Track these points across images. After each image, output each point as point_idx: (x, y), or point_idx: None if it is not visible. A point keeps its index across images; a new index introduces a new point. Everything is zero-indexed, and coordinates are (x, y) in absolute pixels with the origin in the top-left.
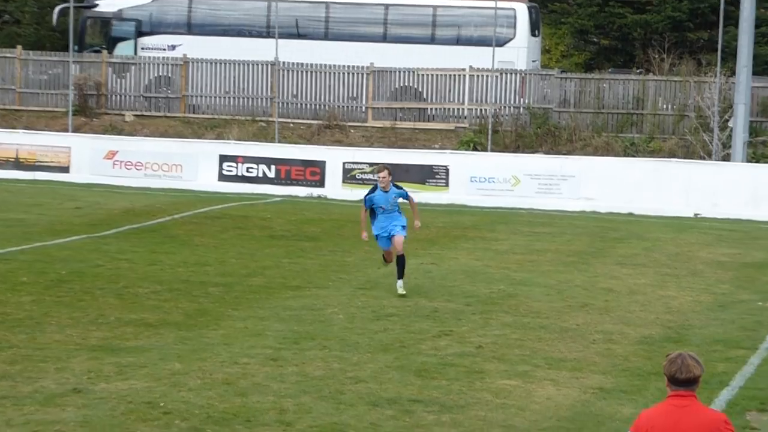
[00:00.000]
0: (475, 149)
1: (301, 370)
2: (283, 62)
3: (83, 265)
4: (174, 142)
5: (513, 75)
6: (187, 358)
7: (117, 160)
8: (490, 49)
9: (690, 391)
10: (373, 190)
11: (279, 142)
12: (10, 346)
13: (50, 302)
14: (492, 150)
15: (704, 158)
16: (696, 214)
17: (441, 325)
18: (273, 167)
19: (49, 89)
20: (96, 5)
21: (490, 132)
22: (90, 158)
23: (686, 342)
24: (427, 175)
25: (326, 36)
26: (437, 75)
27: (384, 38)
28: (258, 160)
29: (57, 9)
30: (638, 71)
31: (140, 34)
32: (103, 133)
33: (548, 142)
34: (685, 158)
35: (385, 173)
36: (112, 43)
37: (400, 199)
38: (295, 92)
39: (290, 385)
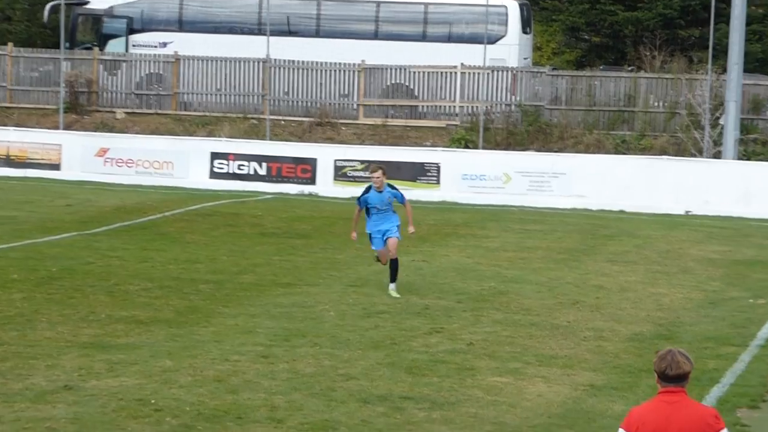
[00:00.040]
0: (466, 147)
1: (292, 367)
2: (275, 59)
3: (74, 262)
4: (165, 140)
5: (504, 72)
6: (178, 356)
7: (108, 158)
8: (482, 46)
9: (680, 387)
10: (367, 191)
11: (270, 139)
12: (1, 344)
13: (41, 299)
14: (483, 147)
15: (695, 156)
16: (687, 212)
17: (432, 323)
18: (264, 164)
19: (41, 86)
20: (87, 2)
21: (481, 129)
22: (81, 155)
23: (677, 339)
24: (418, 172)
25: (318, 33)
26: (429, 72)
27: (375, 35)
28: (249, 158)
29: (48, 6)
30: (629, 68)
31: (131, 31)
32: (94, 131)
33: (539, 140)
34: (676, 156)
35: (379, 173)
36: (103, 40)
37: (395, 200)
38: (286, 89)
39: (281, 382)
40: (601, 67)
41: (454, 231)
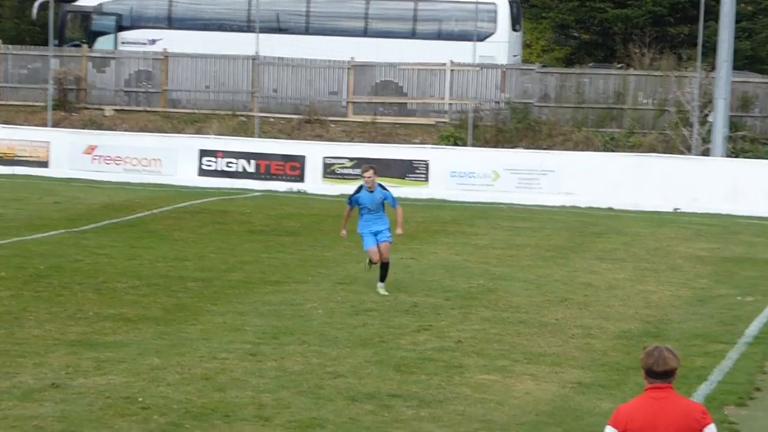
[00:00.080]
0: (455, 144)
1: (280, 365)
2: (264, 57)
3: (62, 259)
4: (154, 137)
5: (494, 70)
6: (166, 353)
7: (96, 155)
8: (471, 43)
9: (667, 383)
10: (358, 190)
11: (259, 136)
12: None
13: (29, 297)
14: (472, 145)
15: (684, 153)
16: (675, 209)
17: (420, 320)
18: (253, 162)
19: (29, 83)
20: None
21: (470, 127)
22: (69, 153)
23: (665, 336)
24: (407, 169)
25: (307, 30)
26: (418, 70)
27: (365, 33)
28: (238, 155)
29: (37, 3)
30: (619, 66)
31: (120, 28)
32: (83, 128)
33: (528, 137)
34: (664, 153)
35: (370, 173)
36: (92, 37)
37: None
38: (275, 87)
39: (269, 380)
40: (591, 65)
41: (442, 228)
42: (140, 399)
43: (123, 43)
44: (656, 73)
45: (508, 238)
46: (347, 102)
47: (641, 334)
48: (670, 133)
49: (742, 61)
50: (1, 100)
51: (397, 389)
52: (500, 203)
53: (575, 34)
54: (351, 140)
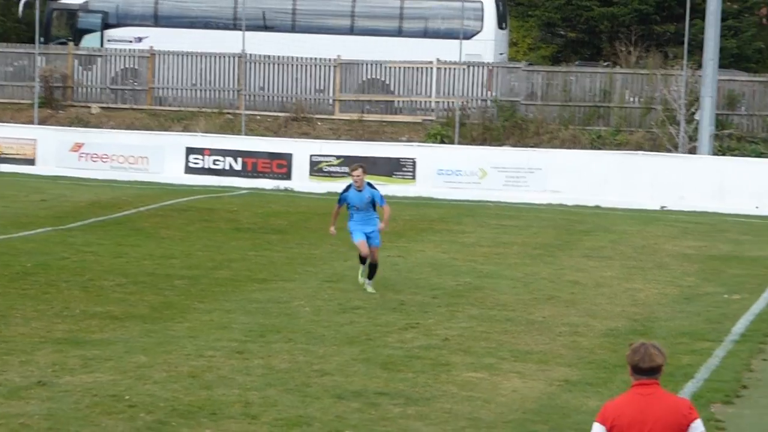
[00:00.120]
0: (442, 142)
1: (266, 363)
2: (250, 54)
3: (48, 257)
4: (140, 135)
5: (480, 68)
6: (153, 351)
7: (83, 153)
8: (458, 41)
9: (653, 380)
10: (347, 189)
11: (246, 134)
12: None
13: (15, 295)
14: (459, 143)
15: (671, 151)
16: (662, 207)
17: (407, 318)
18: (240, 160)
19: (15, 81)
20: None
21: (457, 125)
22: (56, 150)
23: (652, 334)
24: (394, 167)
25: (293, 28)
26: (404, 68)
27: (351, 31)
28: (225, 153)
29: (23, 1)
30: (605, 64)
31: (106, 26)
32: (69, 126)
33: (515, 135)
34: (651, 151)
35: (359, 171)
36: (78, 35)
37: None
38: (262, 84)
39: (256, 378)
40: (577, 63)
41: (429, 226)
42: (127, 397)
43: (109, 40)
44: (643, 72)
45: (495, 236)
46: (334, 100)
47: (628, 332)
48: (657, 131)
49: (729, 59)
50: None
51: (384, 387)
52: (487, 201)
53: (561, 33)
54: (338, 138)
